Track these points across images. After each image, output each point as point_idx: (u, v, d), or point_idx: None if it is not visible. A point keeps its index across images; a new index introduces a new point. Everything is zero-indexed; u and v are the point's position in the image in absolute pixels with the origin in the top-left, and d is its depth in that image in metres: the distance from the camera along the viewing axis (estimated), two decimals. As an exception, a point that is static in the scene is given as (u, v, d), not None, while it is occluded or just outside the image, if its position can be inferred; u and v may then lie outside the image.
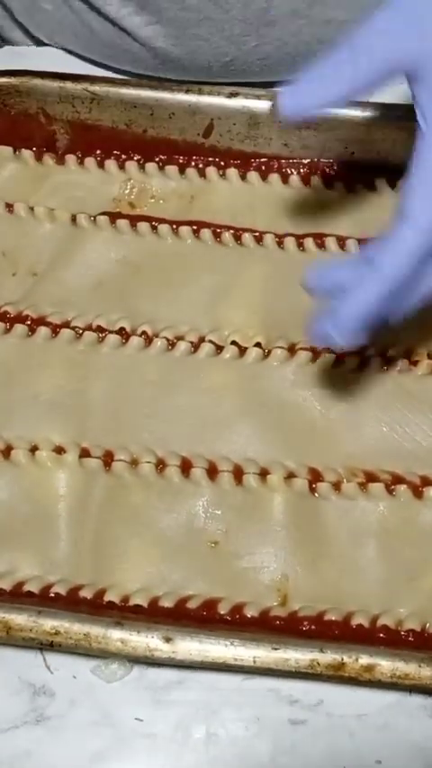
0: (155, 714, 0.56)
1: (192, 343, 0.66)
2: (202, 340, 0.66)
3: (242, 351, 0.66)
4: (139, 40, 0.73)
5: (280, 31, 0.71)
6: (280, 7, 0.69)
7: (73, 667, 0.57)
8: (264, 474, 0.61)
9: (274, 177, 0.72)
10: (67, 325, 0.66)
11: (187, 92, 0.71)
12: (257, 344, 0.66)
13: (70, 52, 0.80)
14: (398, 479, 0.61)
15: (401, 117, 0.68)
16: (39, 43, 0.81)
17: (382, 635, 0.56)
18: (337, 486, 0.61)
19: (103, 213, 0.71)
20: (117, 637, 0.54)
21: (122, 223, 0.70)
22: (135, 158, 0.73)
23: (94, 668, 0.57)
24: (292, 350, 0.66)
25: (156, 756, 0.56)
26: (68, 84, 0.71)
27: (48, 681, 0.57)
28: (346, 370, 0.65)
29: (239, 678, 0.57)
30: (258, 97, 0.70)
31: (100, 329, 0.66)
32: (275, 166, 0.72)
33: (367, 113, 0.69)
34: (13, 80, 0.71)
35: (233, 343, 0.66)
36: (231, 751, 0.56)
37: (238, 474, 0.61)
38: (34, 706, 0.57)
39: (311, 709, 0.57)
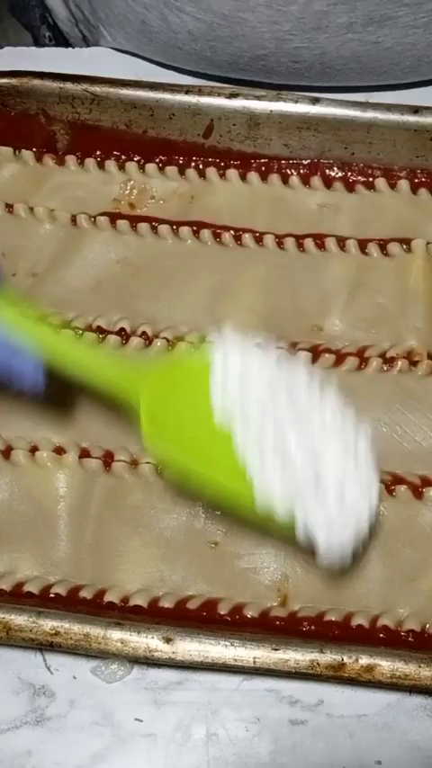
0: (155, 714, 0.56)
1: (192, 343, 0.66)
2: (202, 340, 0.66)
3: (242, 351, 0.66)
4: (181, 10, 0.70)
5: (327, 39, 0.70)
6: (338, 17, 0.68)
7: (73, 667, 0.57)
8: (264, 474, 0.61)
9: (274, 177, 0.72)
10: (67, 325, 0.66)
11: (187, 92, 0.70)
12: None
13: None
14: (398, 479, 0.61)
15: (401, 117, 0.68)
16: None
17: (381, 635, 0.56)
18: (337, 486, 0.61)
19: (104, 213, 0.71)
20: (117, 637, 0.54)
21: (122, 223, 0.70)
22: (135, 159, 0.73)
23: (94, 668, 0.57)
24: (292, 350, 0.65)
25: (156, 756, 0.56)
26: (68, 85, 0.71)
27: (48, 681, 0.57)
28: (346, 370, 0.65)
29: (239, 678, 0.57)
30: (258, 98, 0.70)
31: (100, 329, 0.66)
32: (275, 166, 0.72)
33: (367, 113, 0.69)
34: (13, 81, 0.71)
35: (233, 343, 0.66)
36: (231, 751, 0.56)
37: (238, 474, 0.61)
38: (34, 706, 0.57)
39: (311, 710, 0.57)
